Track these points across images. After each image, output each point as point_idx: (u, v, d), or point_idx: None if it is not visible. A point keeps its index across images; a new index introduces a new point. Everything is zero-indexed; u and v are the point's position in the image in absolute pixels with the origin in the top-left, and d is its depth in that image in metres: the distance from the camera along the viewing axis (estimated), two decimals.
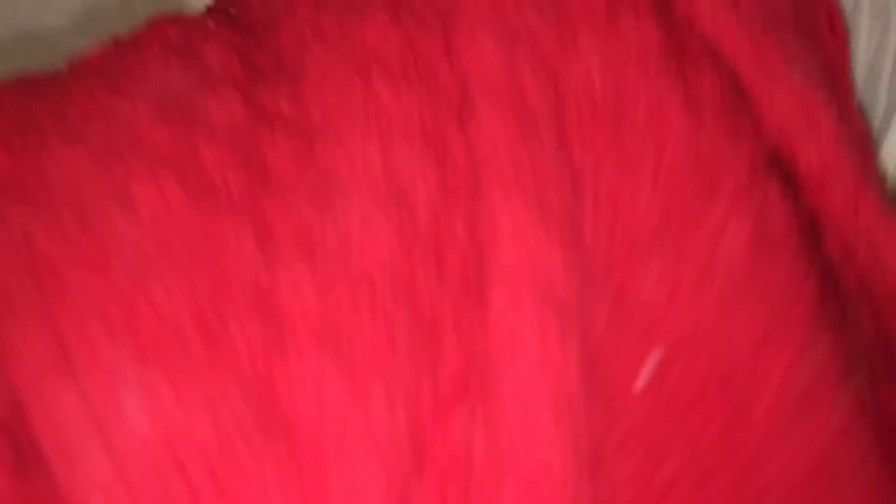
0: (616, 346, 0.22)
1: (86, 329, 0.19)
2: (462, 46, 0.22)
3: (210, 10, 0.27)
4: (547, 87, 0.22)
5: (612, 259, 0.22)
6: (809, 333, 0.24)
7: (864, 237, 0.23)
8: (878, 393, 0.24)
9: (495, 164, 0.21)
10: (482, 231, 0.21)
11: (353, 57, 0.22)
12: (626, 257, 0.22)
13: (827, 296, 0.24)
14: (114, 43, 0.24)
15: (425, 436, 0.20)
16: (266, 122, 0.22)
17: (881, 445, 0.25)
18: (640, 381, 0.22)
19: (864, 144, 0.27)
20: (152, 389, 0.19)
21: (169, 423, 0.18)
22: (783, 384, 0.23)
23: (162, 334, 0.19)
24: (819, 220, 0.24)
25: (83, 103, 0.21)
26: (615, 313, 0.22)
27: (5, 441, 0.19)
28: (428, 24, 0.23)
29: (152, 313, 0.19)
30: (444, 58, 0.23)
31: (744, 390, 0.23)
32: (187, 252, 0.20)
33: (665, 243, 0.23)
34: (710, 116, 0.23)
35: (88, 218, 0.19)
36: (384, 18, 0.23)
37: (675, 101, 0.23)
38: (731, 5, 0.24)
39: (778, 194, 0.24)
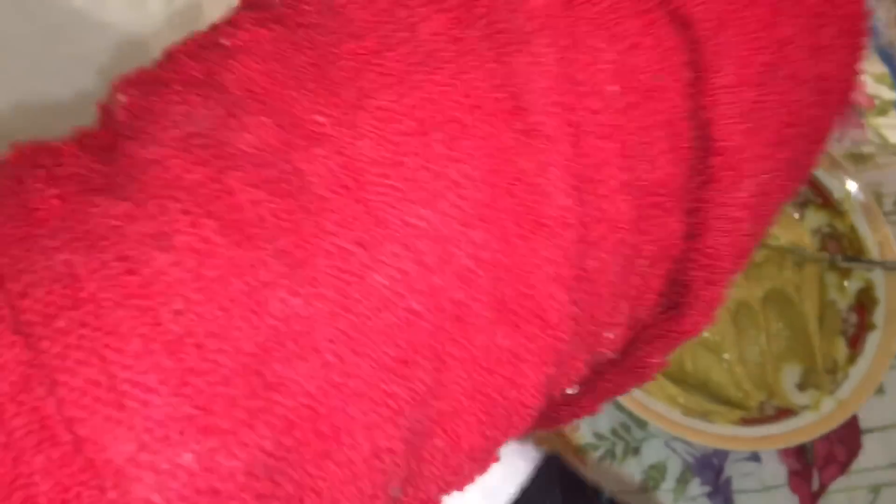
0: None
1: (137, 375, 0.19)
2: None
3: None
4: None
5: None
6: None
7: None
8: None
9: None
10: None
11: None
12: None
13: None
14: (136, 91, 0.24)
15: None
16: (302, 137, 0.22)
17: None
18: None
19: None
20: (205, 444, 0.19)
21: (219, 473, 0.19)
22: None
23: (213, 385, 0.19)
24: None
25: (122, 158, 0.22)
26: None
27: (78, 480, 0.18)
28: None
29: (201, 362, 0.19)
30: None
31: None
32: (229, 294, 0.20)
33: None
34: None
35: (132, 259, 0.20)
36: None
37: None
38: None
39: None
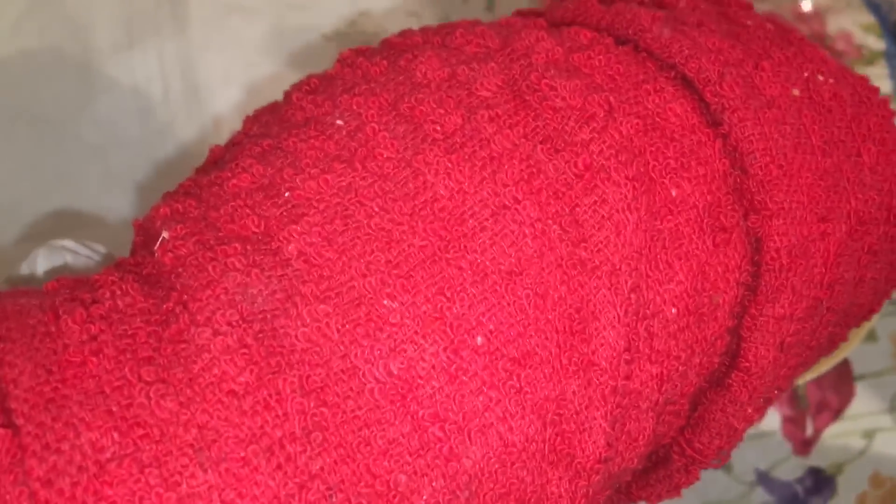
0: None
1: None
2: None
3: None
4: None
5: None
6: None
7: None
8: None
9: None
10: None
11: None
12: None
13: None
14: (184, 230, 0.22)
15: None
16: (364, 326, 0.21)
17: None
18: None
19: None
20: None
21: None
22: None
23: None
24: None
25: (172, 324, 0.21)
26: None
27: None
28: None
29: None
30: None
31: None
32: None
33: None
34: None
35: (170, 469, 0.19)
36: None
37: None
38: None
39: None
